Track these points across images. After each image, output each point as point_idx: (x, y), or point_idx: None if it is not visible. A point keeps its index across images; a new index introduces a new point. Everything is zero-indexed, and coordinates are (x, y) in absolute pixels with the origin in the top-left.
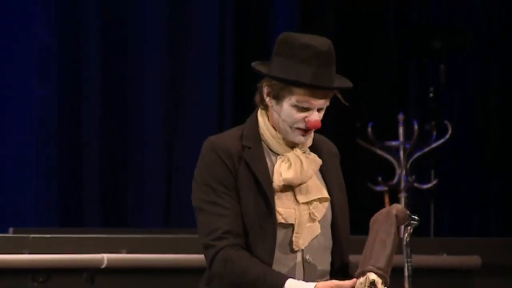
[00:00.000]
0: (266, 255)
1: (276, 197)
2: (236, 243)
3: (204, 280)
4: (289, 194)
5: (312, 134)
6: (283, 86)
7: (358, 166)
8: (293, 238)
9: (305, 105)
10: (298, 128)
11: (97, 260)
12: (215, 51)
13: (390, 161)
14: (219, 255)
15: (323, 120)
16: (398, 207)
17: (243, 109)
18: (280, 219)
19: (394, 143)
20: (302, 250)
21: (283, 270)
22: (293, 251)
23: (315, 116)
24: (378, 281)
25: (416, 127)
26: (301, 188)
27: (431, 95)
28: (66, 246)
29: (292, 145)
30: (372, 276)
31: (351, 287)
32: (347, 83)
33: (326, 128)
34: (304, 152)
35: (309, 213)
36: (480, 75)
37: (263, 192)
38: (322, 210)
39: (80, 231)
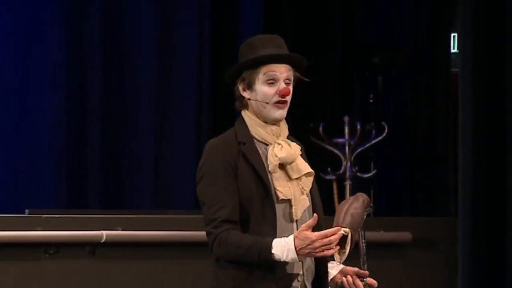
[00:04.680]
0: (270, 229)
1: (274, 179)
2: (230, 229)
3: (213, 260)
4: (282, 174)
5: (286, 108)
6: (251, 71)
7: (311, 159)
8: (292, 210)
9: (272, 74)
10: (274, 103)
11: (98, 236)
12: (195, 66)
13: (337, 155)
14: (216, 240)
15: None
16: (364, 195)
17: (218, 108)
18: (281, 196)
19: (340, 140)
20: (297, 221)
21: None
22: (291, 221)
23: (284, 85)
24: (349, 234)
25: (358, 127)
26: (292, 166)
27: (371, 101)
28: (72, 224)
29: (277, 135)
30: (346, 230)
31: (310, 226)
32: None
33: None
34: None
35: (300, 188)
36: (410, 85)
37: (260, 177)
38: (309, 184)
39: (83, 212)
